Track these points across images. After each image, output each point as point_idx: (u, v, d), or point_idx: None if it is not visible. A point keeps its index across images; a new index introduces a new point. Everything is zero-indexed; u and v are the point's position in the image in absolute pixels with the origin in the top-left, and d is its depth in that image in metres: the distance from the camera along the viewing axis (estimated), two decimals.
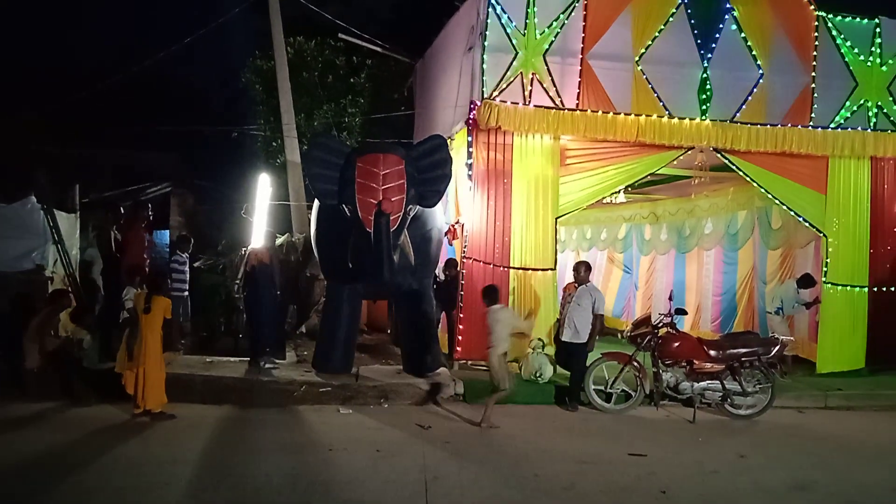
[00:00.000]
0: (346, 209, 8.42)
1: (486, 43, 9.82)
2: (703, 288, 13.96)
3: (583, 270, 8.93)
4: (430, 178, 8.71)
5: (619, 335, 10.31)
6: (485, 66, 9.85)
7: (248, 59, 18.17)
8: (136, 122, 16.66)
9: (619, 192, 11.98)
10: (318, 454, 6.60)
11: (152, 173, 15.17)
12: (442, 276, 10.33)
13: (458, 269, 10.12)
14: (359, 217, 8.25)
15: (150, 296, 7.70)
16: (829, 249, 10.76)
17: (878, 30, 10.88)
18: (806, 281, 10.62)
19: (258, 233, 13.28)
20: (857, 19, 10.94)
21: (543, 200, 10.03)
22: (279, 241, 13.81)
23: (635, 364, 8.59)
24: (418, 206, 8.70)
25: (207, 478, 5.89)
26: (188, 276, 10.89)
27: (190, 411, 7.80)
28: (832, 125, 10.71)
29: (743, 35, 10.51)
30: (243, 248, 13.90)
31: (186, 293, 10.70)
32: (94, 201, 11.97)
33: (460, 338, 9.90)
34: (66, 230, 10.30)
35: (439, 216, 9.66)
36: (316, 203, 9.59)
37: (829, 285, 10.73)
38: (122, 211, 11.34)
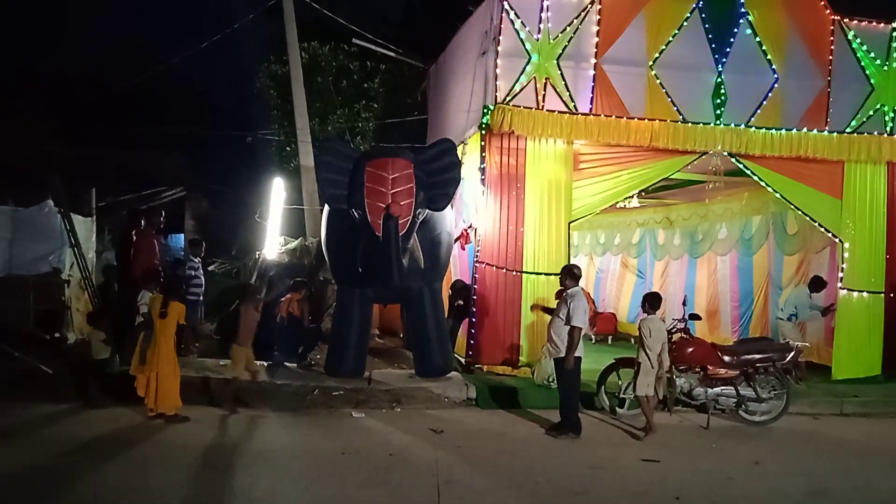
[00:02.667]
0: (355, 213, 8.47)
1: (499, 48, 9.82)
2: (719, 294, 13.87)
3: (564, 276, 7.99)
4: (438, 182, 8.74)
5: (632, 340, 10.26)
6: (498, 70, 9.85)
7: (263, 64, 18.29)
8: (150, 125, 16.78)
9: (632, 196, 11.94)
10: (331, 457, 6.62)
11: (166, 177, 15.26)
12: (457, 300, 10.37)
13: (469, 287, 10.11)
14: (368, 221, 8.29)
15: (167, 300, 7.75)
16: (845, 255, 10.68)
17: (894, 34, 10.79)
18: (816, 284, 10.54)
19: (272, 238, 13.37)
20: (874, 23, 10.86)
21: (556, 205, 10.02)
22: (293, 245, 13.90)
23: None
24: (427, 210, 8.72)
25: (220, 480, 5.91)
26: (203, 280, 10.96)
27: (203, 414, 7.84)
28: (848, 130, 10.63)
29: (758, 39, 10.44)
30: (257, 252, 14.01)
31: (201, 297, 10.77)
32: (110, 205, 12.07)
33: (473, 342, 9.91)
34: (83, 234, 10.40)
35: (449, 219, 9.67)
36: (326, 208, 9.64)
37: (845, 291, 10.65)
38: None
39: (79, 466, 6.10)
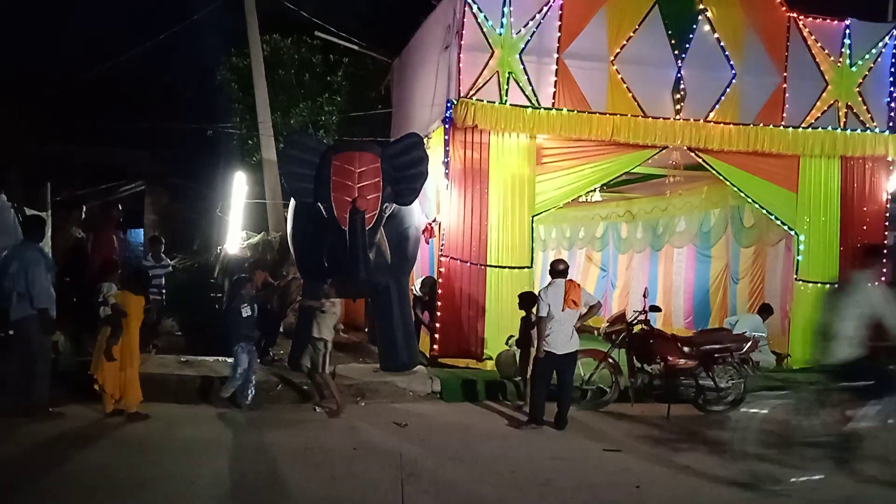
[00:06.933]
0: (321, 207, 8.42)
1: (462, 42, 9.85)
2: (675, 285, 14.12)
3: (556, 267, 7.98)
4: (406, 176, 8.71)
5: (595, 332, 10.37)
6: (461, 64, 9.88)
7: (224, 57, 18.05)
8: (110, 119, 16.47)
9: (594, 190, 12.07)
10: (295, 453, 6.58)
11: (126, 171, 15.00)
12: (422, 294, 10.45)
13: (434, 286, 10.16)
14: (334, 215, 8.24)
15: (130, 295, 7.64)
16: (801, 247, 10.95)
17: (847, 31, 11.07)
18: (766, 310, 10.91)
19: (234, 233, 13.22)
20: (828, 21, 11.13)
21: (520, 199, 10.09)
22: (255, 239, 13.77)
23: (610, 361, 8.66)
24: (394, 205, 8.70)
25: (181, 477, 5.84)
26: (163, 279, 10.79)
27: (164, 411, 7.73)
28: (803, 125, 10.88)
29: (716, 36, 10.64)
30: (219, 247, 13.84)
31: (163, 294, 10.63)
32: (67, 199, 11.80)
33: (437, 335, 9.93)
34: None
35: (416, 214, 9.67)
36: (292, 202, 9.57)
37: (801, 282, 10.92)
38: (85, 209, 11.13)
39: (35, 466, 5.98)
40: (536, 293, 8.09)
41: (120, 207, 11.27)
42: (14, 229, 9.74)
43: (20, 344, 7.38)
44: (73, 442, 6.67)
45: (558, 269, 7.95)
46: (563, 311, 7.66)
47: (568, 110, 10.11)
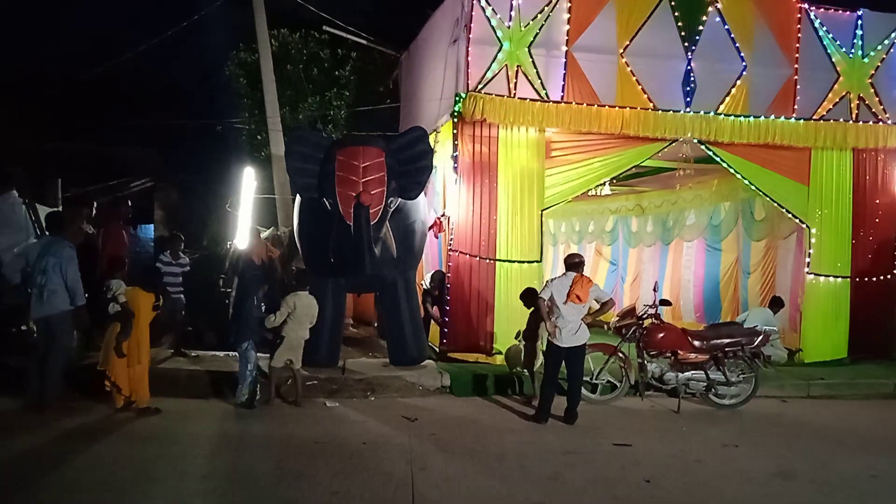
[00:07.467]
0: (326, 203, 8.42)
1: (470, 35, 9.81)
2: (685, 279, 14.06)
3: (570, 260, 8.09)
4: (410, 170, 8.70)
5: (605, 327, 10.35)
6: (470, 58, 9.84)
7: (232, 52, 18.05)
8: (118, 116, 16.49)
9: (604, 184, 12.01)
10: (305, 447, 6.60)
11: (135, 168, 15.01)
12: (431, 288, 10.45)
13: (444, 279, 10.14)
14: (339, 210, 8.24)
15: (140, 292, 7.67)
16: (813, 240, 10.87)
17: (859, 22, 10.97)
18: (777, 303, 10.85)
19: (243, 228, 13.20)
20: (840, 11, 11.03)
21: (529, 193, 10.05)
22: (265, 234, 13.76)
23: (620, 355, 8.64)
24: (400, 199, 8.69)
25: (192, 472, 5.87)
26: (181, 277, 10.82)
27: (175, 406, 7.77)
28: (815, 117, 10.79)
29: (727, 27, 10.56)
30: (228, 243, 13.84)
31: (181, 291, 10.65)
32: (77, 196, 11.85)
33: (447, 330, 9.93)
34: None
35: (422, 208, 9.65)
36: (297, 197, 9.58)
37: (812, 276, 10.85)
38: (95, 205, 11.15)
39: (48, 461, 6.02)
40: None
41: (129, 203, 11.29)
42: (26, 225, 9.82)
43: (46, 340, 7.40)
44: (84, 437, 6.71)
45: (571, 262, 7.96)
46: (564, 303, 7.63)
47: (577, 104, 10.05)
